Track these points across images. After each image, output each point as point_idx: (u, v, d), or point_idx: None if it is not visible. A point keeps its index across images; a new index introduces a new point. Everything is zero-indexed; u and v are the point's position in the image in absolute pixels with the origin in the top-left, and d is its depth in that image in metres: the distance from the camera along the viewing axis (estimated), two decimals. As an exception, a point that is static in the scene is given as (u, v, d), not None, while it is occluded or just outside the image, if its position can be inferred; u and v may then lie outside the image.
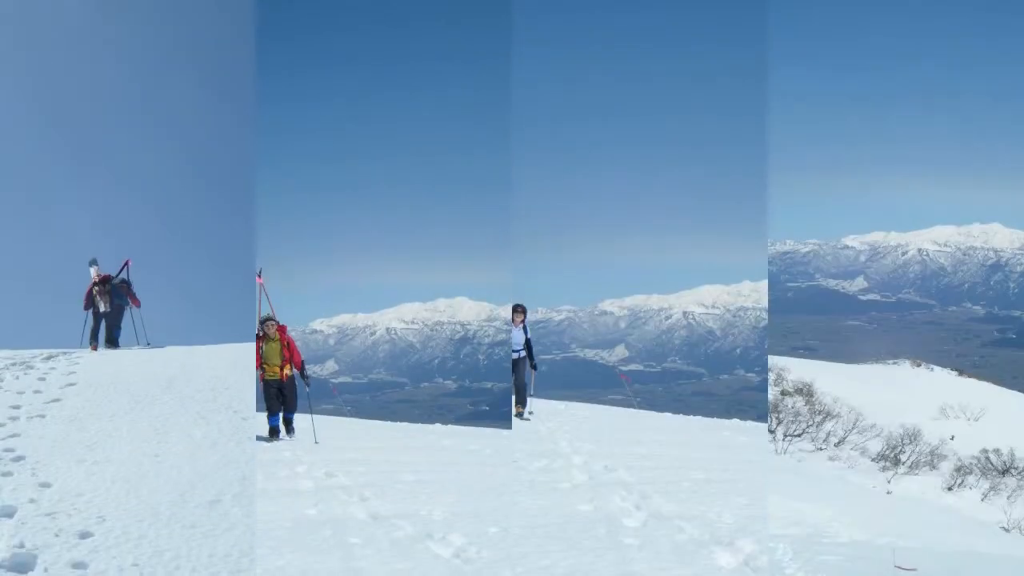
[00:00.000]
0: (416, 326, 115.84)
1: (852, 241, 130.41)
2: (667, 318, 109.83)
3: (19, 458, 8.10)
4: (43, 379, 12.06)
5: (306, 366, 12.46)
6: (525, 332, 13.17)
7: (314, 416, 12.53)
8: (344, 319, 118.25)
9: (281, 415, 12.04)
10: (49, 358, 14.03)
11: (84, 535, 6.27)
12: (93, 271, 16.84)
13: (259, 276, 12.69)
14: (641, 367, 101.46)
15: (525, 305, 13.28)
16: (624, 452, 10.69)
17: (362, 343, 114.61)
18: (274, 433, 11.91)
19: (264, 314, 12.33)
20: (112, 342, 16.70)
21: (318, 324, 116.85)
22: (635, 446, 11.39)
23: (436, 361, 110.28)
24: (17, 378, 11.98)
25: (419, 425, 16.88)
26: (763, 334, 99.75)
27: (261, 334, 12.12)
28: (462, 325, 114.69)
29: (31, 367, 12.93)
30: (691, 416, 16.82)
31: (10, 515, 6.60)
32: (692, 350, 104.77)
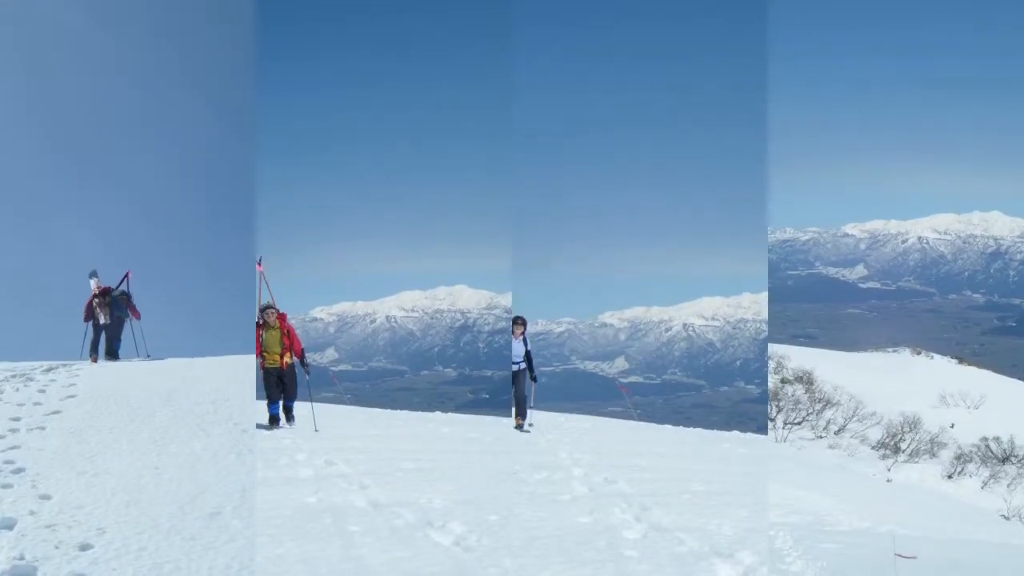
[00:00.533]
0: (416, 314, 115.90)
1: (852, 229, 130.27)
2: (667, 330, 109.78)
3: (19, 470, 8.07)
4: (43, 391, 12.03)
5: (306, 354, 12.46)
6: (525, 344, 13.14)
7: (314, 404, 12.54)
8: (344, 307, 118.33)
9: (281, 403, 12.04)
10: (49, 370, 14.00)
11: (84, 547, 6.25)
12: (93, 283, 16.80)
13: (259, 264, 12.67)
14: (641, 379, 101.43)
15: (525, 317, 13.26)
16: (624, 464, 10.67)
17: (362, 331, 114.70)
18: (274, 421, 11.91)
19: (264, 302, 12.32)
20: (112, 354, 16.64)
21: (318, 312, 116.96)
22: (635, 458, 11.38)
23: (436, 349, 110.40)
24: (17, 390, 11.95)
25: (419, 413, 16.91)
26: (763, 346, 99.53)
27: (261, 322, 12.10)
28: (462, 313, 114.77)
29: (31, 379, 12.91)
30: (691, 428, 16.87)
31: (10, 527, 6.58)
32: (692, 362, 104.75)
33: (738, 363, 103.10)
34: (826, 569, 8.73)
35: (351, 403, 19.32)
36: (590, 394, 77.44)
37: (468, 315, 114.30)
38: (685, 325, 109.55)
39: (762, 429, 23.69)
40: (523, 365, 13.07)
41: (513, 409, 13.00)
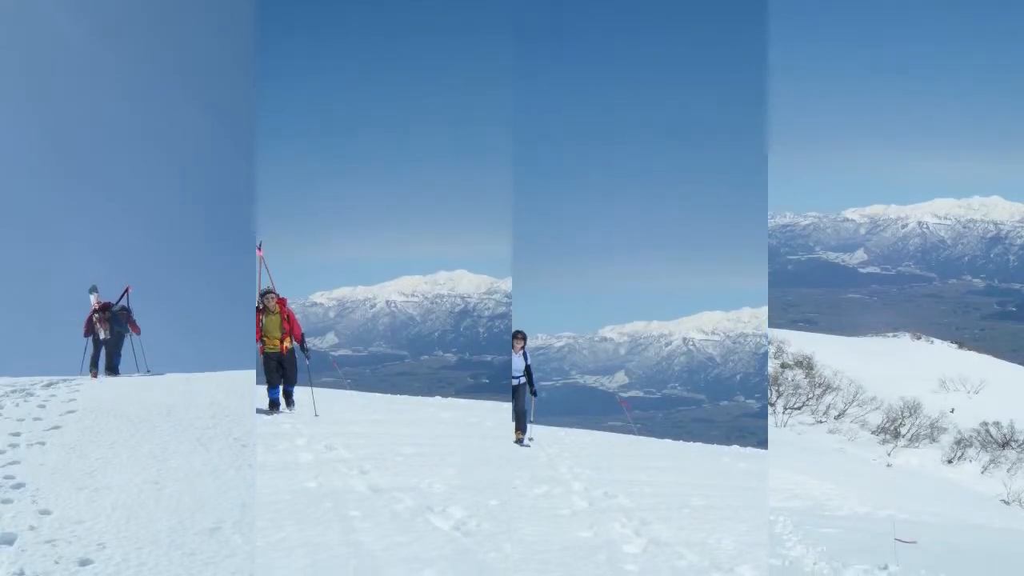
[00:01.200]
0: (416, 299, 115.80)
1: (852, 214, 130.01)
2: (667, 344, 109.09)
3: (19, 485, 8.03)
4: (43, 406, 11.97)
5: (306, 339, 12.44)
6: (525, 358, 13.08)
7: (314, 389, 12.54)
8: (344, 292, 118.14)
9: (281, 388, 12.03)
10: (49, 385, 13.94)
11: (84, 562, 6.22)
12: (93, 298, 16.68)
13: (259, 249, 12.64)
14: (641, 393, 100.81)
15: (525, 332, 13.20)
16: (624, 478, 10.63)
17: (362, 316, 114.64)
18: (274, 406, 11.91)
19: (264, 287, 12.29)
20: (112, 369, 16.52)
21: (318, 297, 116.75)
22: (635, 472, 11.34)
23: (436, 334, 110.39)
24: (17, 405, 11.89)
25: (419, 398, 16.95)
26: (763, 360, 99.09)
27: (261, 307, 12.07)
28: (462, 298, 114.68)
29: (31, 394, 12.84)
30: (691, 442, 16.88)
31: (10, 542, 6.55)
32: (692, 376, 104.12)
33: (738, 377, 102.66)
34: (826, 553, 8.74)
35: (351, 388, 19.37)
36: (590, 408, 77.08)
37: (468, 300, 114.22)
38: (685, 339, 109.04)
39: (762, 443, 23.77)
40: (523, 379, 12.99)
41: (513, 423, 12.97)
